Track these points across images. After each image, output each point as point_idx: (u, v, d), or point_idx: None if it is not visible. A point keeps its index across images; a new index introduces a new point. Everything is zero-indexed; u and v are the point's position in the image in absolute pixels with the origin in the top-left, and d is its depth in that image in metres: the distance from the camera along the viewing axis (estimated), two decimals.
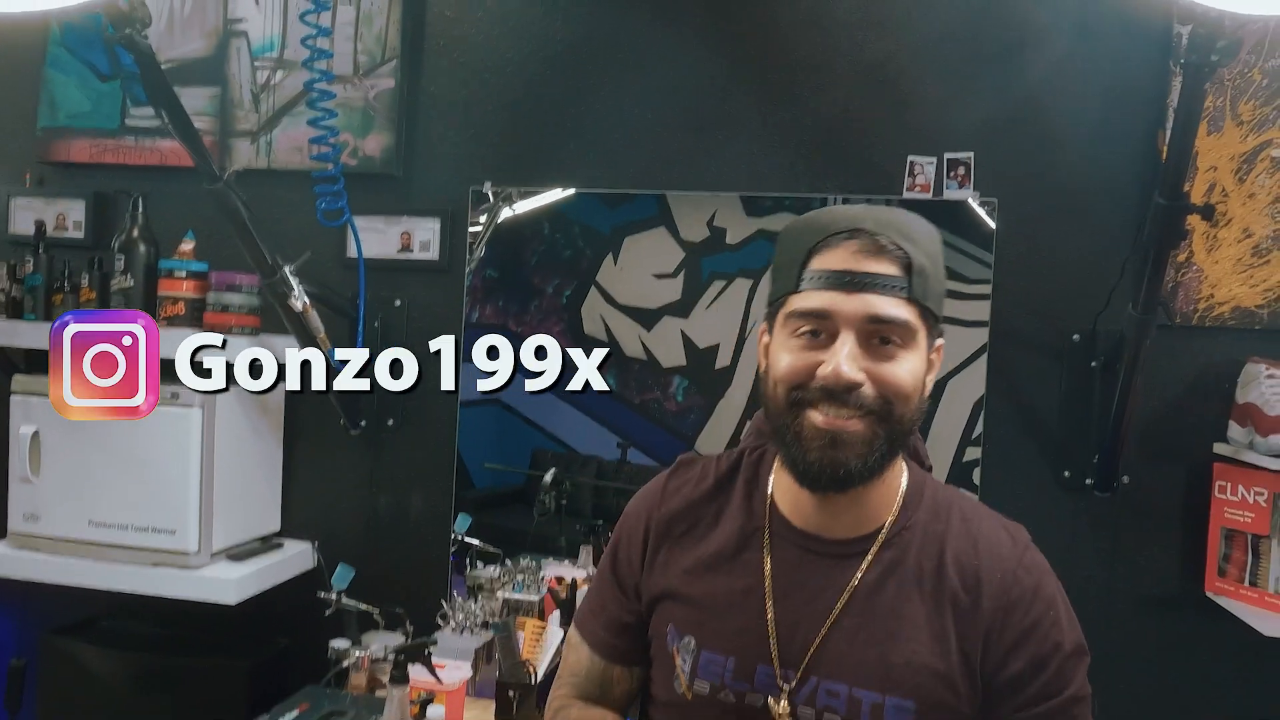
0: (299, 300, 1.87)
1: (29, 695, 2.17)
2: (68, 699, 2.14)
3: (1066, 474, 1.89)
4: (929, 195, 1.92)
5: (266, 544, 2.10)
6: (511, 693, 1.71)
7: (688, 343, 2.10)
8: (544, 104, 2.10)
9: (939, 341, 1.00)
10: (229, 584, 1.92)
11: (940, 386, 1.94)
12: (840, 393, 0.92)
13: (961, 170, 1.92)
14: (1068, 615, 0.98)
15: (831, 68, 1.98)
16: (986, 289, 1.92)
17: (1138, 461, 1.85)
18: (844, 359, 0.91)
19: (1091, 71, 1.87)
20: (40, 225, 2.15)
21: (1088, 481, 1.87)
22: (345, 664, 1.82)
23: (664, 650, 1.06)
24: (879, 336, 0.93)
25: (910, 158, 1.93)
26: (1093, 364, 1.87)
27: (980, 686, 0.96)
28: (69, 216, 2.27)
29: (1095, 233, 1.88)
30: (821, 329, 0.95)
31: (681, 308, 2.09)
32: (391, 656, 1.79)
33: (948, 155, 1.92)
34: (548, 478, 2.20)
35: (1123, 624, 1.86)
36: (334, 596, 1.90)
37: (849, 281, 0.92)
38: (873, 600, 0.98)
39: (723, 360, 2.08)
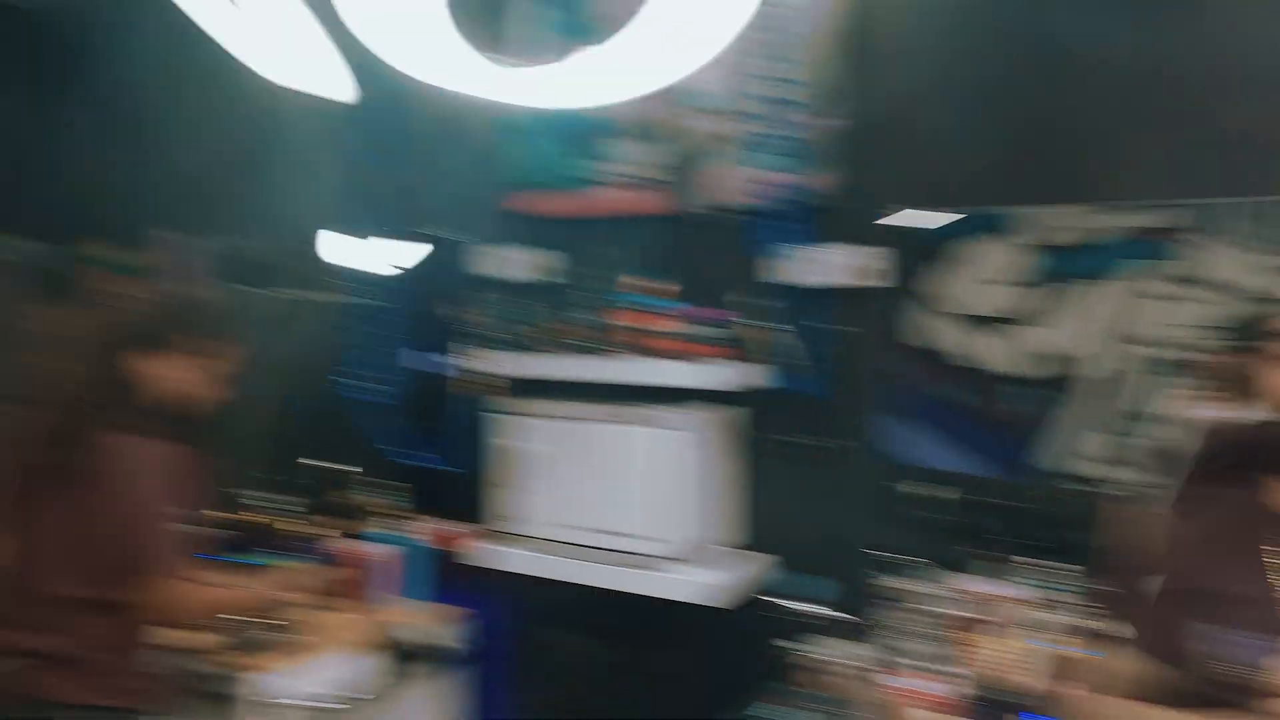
0: (767, 330, 2.05)
1: (515, 677, 2.53)
2: (549, 682, 2.48)
3: None
4: None
5: (735, 553, 2.30)
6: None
7: (1048, 353, 2.07)
8: (977, 133, 2.15)
9: None
10: (709, 588, 2.13)
11: None
12: None
13: None
14: None
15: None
16: None
17: None
18: None
19: None
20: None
21: None
22: (820, 669, 1.95)
23: None
24: None
25: None
26: None
27: None
28: (539, 262, 2.62)
29: None
30: None
31: (1036, 317, 2.08)
32: (864, 664, 1.91)
33: None
34: (952, 494, 2.24)
35: None
36: (802, 605, 2.05)
37: None
38: None
39: (1091, 369, 2.04)
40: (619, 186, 2.50)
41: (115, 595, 1.76)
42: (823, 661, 1.99)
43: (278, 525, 2.91)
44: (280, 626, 2.28)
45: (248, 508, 2.99)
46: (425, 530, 2.79)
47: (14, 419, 1.82)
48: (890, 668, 1.86)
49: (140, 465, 1.77)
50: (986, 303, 2.13)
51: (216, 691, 2.15)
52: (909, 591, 2.14)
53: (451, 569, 2.74)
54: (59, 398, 1.77)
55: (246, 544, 2.90)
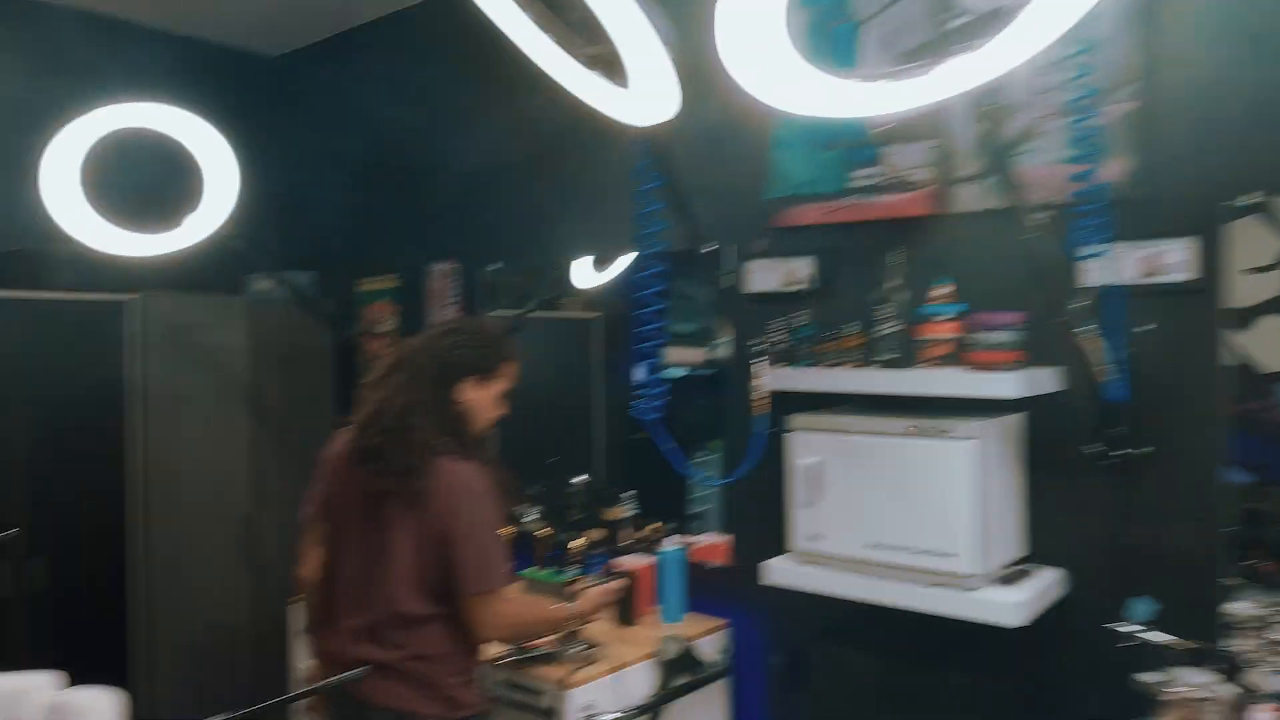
0: (1061, 333, 1.93)
1: (794, 690, 2.50)
2: (832, 695, 2.43)
3: None
4: None
5: (1025, 569, 2.18)
6: None
7: None
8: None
9: None
10: (1009, 607, 2.02)
11: None
12: None
13: None
14: None
15: None
16: None
17: None
18: None
19: None
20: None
21: None
22: (1167, 699, 1.80)
23: None
24: None
25: None
26: None
27: None
28: (798, 272, 2.59)
29: None
30: None
31: None
32: (1217, 695, 1.75)
33: None
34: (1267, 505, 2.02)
35: None
36: (1131, 628, 1.91)
37: None
38: None
39: None
40: (893, 191, 2.43)
41: (449, 610, 1.88)
42: (1169, 692, 1.84)
43: (557, 540, 3.03)
44: (578, 640, 2.37)
45: (528, 523, 3.13)
46: (699, 544, 2.82)
47: (353, 446, 1.98)
48: (1254, 702, 1.69)
49: (471, 486, 1.88)
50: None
51: (530, 705, 2.26)
52: (1250, 615, 1.95)
53: (724, 582, 2.76)
54: (400, 425, 1.91)
55: (535, 559, 3.04)
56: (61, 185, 3.00)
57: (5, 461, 3.03)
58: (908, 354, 2.21)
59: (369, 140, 3.97)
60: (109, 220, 3.09)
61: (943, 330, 2.14)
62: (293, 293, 3.47)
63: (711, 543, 2.87)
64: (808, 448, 2.31)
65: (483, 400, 2.00)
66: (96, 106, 3.01)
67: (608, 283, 3.15)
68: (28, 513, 3.07)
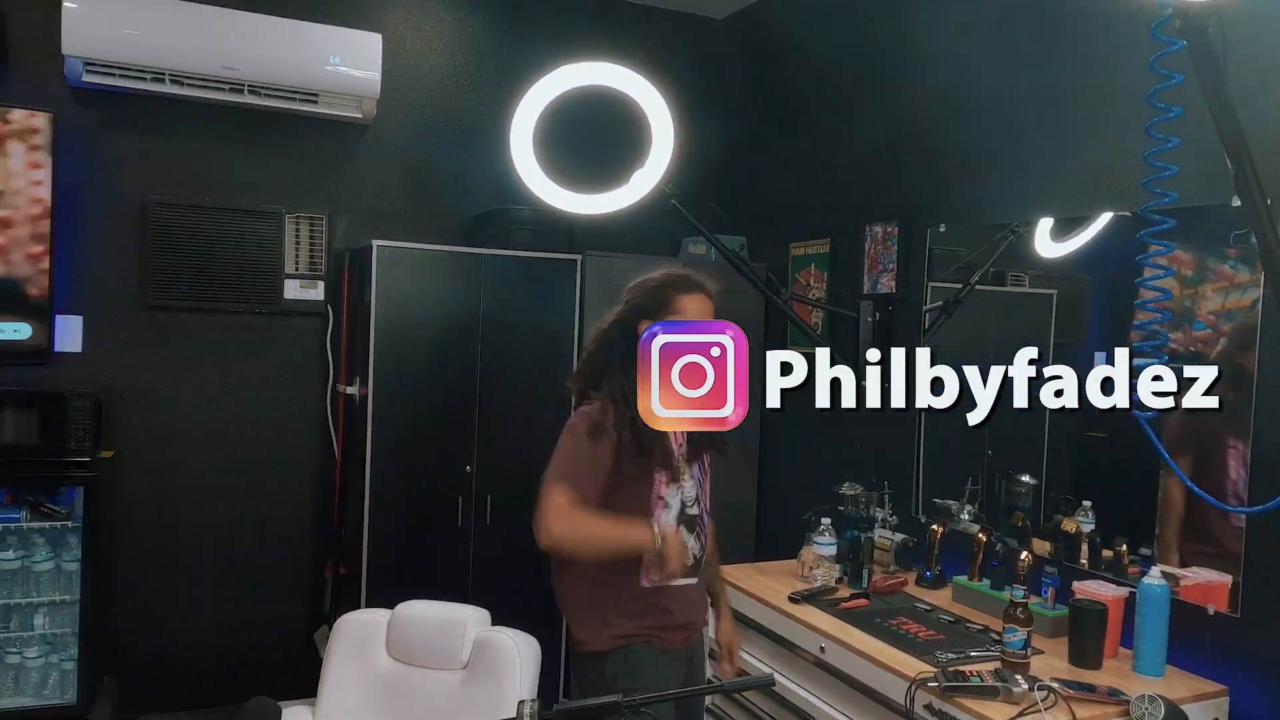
0: None
1: None
2: None
3: None
4: None
5: None
6: None
7: None
8: None
9: None
10: None
11: None
12: None
13: None
14: None
15: None
16: None
17: None
18: None
19: None
20: None
21: None
22: None
23: None
24: None
25: None
26: None
27: None
28: None
29: None
30: None
31: None
32: None
33: None
34: None
35: None
36: None
37: None
38: None
39: None
40: None
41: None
42: None
43: (996, 547, 2.61)
44: (1024, 676, 1.95)
45: (963, 524, 2.74)
46: (1188, 580, 2.23)
47: None
48: None
49: (568, 424, 2.04)
50: None
51: None
52: None
53: (1224, 636, 2.15)
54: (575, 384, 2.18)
55: (969, 567, 2.65)
56: (523, 147, 3.18)
57: (463, 404, 3.31)
58: None
59: (806, 96, 3.76)
60: (560, 183, 3.23)
61: None
62: (725, 256, 3.37)
63: (1205, 581, 2.24)
64: None
65: None
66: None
67: (1069, 252, 2.64)
68: (479, 451, 3.34)
